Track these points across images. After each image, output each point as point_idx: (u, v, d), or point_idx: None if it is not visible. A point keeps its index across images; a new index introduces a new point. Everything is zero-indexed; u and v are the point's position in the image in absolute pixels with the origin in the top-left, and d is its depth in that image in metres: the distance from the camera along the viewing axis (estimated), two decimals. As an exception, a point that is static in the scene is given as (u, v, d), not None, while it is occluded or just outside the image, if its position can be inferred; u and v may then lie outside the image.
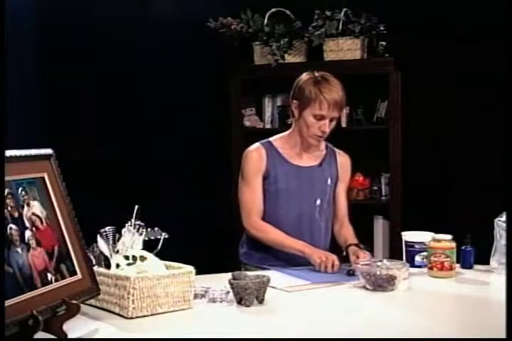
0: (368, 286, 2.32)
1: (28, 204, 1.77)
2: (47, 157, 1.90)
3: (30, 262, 1.69)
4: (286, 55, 4.21)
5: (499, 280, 2.32)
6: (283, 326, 1.92)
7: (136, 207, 2.14)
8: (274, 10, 4.27)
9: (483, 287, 2.45)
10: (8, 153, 1.72)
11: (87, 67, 4.59)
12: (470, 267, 2.63)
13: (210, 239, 4.43)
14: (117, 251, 2.09)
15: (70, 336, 1.71)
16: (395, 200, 4.13)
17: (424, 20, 4.09)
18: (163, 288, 2.00)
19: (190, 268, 2.09)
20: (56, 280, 1.77)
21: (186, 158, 4.57)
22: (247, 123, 4.46)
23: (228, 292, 2.10)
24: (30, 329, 1.62)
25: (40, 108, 4.58)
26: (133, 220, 2.14)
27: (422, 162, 4.19)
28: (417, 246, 2.63)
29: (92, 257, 2.02)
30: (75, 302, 1.73)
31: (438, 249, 2.51)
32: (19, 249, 1.68)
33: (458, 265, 2.59)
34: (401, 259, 2.62)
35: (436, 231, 2.59)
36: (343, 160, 2.89)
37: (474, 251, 2.64)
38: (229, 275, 2.13)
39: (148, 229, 2.17)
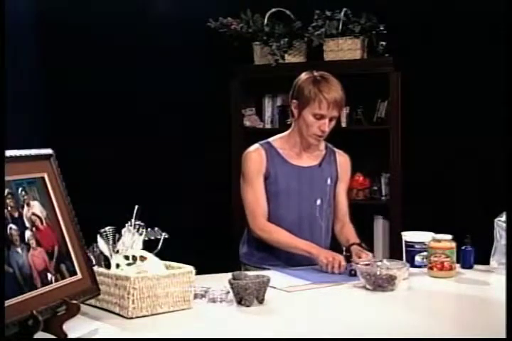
0: (368, 286, 2.32)
1: (28, 204, 1.77)
2: (47, 157, 1.90)
3: (30, 262, 1.69)
4: (286, 55, 4.22)
5: (499, 280, 2.32)
6: (283, 326, 1.91)
7: (136, 207, 2.14)
8: (274, 10, 4.27)
9: (483, 287, 2.45)
10: (8, 153, 1.72)
11: (87, 67, 4.60)
12: (470, 267, 2.63)
13: (210, 239, 4.43)
14: (117, 251, 2.09)
15: (70, 336, 1.71)
16: (395, 200, 4.13)
17: (424, 20, 4.10)
18: (163, 288, 1.99)
19: (190, 268, 2.08)
20: (56, 280, 1.77)
21: (186, 158, 4.58)
22: (247, 123, 4.46)
23: (228, 292, 2.10)
24: (30, 329, 1.62)
25: (40, 108, 4.59)
26: (133, 220, 2.14)
27: (422, 162, 4.19)
28: (417, 246, 2.63)
29: (92, 257, 2.02)
30: (75, 302, 1.73)
31: (438, 249, 2.51)
32: (19, 249, 1.68)
33: (458, 265, 2.59)
34: (401, 259, 2.62)
35: (436, 231, 2.59)
36: (343, 160, 2.89)
37: (474, 251, 2.64)
38: (229, 275, 2.13)
39: (148, 229, 2.17)
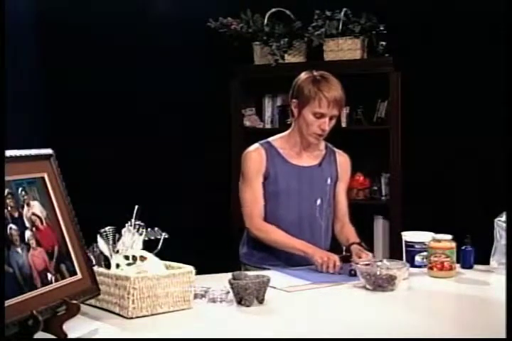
0: (368, 286, 2.32)
1: (28, 204, 1.77)
2: (47, 157, 1.90)
3: (30, 262, 1.69)
4: (286, 55, 4.22)
5: (499, 280, 2.32)
6: (283, 326, 1.91)
7: (136, 207, 2.14)
8: (274, 10, 4.27)
9: (483, 287, 2.45)
10: (8, 153, 1.72)
11: (87, 67, 4.60)
12: (470, 267, 2.63)
13: (210, 239, 4.43)
14: (117, 251, 2.09)
15: (70, 336, 1.71)
16: (395, 200, 4.13)
17: (424, 20, 4.10)
18: (163, 288, 1.99)
19: (190, 268, 2.08)
20: (56, 280, 1.77)
21: (186, 158, 4.58)
22: (247, 123, 4.46)
23: (228, 292, 2.10)
24: (30, 329, 1.62)
25: (40, 108, 4.59)
26: (133, 220, 2.14)
27: (422, 162, 4.19)
28: (417, 246, 2.62)
29: (92, 257, 2.02)
30: (75, 302, 1.73)
31: (438, 249, 2.51)
32: (19, 249, 1.68)
33: (458, 265, 2.59)
34: (401, 259, 2.62)
35: (436, 231, 2.59)
36: (343, 160, 2.89)
37: (474, 251, 2.64)
38: (229, 275, 2.13)
39: (148, 229, 2.17)
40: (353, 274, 2.44)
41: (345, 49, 4.11)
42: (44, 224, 1.80)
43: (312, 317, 2.02)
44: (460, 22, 4.01)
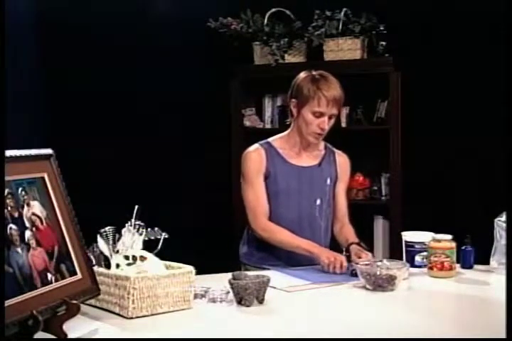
0: (368, 286, 2.32)
1: (28, 204, 1.77)
2: (47, 157, 1.90)
3: (30, 262, 1.69)
4: (286, 55, 4.22)
5: (499, 280, 2.32)
6: (283, 326, 1.92)
7: (136, 207, 2.14)
8: (274, 10, 4.27)
9: (483, 287, 2.45)
10: (8, 153, 1.72)
11: (87, 67, 4.60)
12: (470, 267, 2.63)
13: (210, 239, 4.43)
14: (117, 251, 2.09)
15: (70, 336, 1.71)
16: (395, 200, 4.13)
17: (424, 20, 4.10)
18: (163, 288, 1.99)
19: (190, 268, 2.09)
20: (56, 280, 1.77)
21: (186, 158, 4.58)
22: (247, 123, 4.46)
23: (228, 292, 2.10)
24: (30, 329, 1.62)
25: (40, 108, 4.59)
26: (133, 220, 2.14)
27: (422, 162, 4.19)
28: (417, 246, 2.62)
29: (92, 257, 2.02)
30: (75, 302, 1.73)
31: (438, 249, 2.51)
32: (19, 249, 1.68)
33: (458, 265, 2.59)
34: (401, 259, 2.62)
35: (436, 231, 2.59)
36: (342, 160, 2.89)
37: (474, 251, 2.64)
38: (229, 275, 2.13)
39: (148, 229, 2.17)
40: (354, 274, 2.44)
41: (345, 49, 4.11)
42: (44, 224, 1.80)
43: (312, 317, 2.02)
44: (460, 22, 4.01)
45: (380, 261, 2.46)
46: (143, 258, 2.07)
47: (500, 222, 2.53)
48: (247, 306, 2.05)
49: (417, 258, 2.62)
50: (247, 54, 4.31)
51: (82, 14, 4.57)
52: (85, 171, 4.31)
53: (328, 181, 2.82)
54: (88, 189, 4.14)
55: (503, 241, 2.50)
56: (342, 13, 4.09)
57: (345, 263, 2.53)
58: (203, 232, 4.47)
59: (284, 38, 4.19)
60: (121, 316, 1.95)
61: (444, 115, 4.13)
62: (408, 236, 2.67)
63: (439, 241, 2.54)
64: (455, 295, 2.36)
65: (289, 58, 4.23)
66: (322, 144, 2.85)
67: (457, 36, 4.04)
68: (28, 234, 1.73)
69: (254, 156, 2.76)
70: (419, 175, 4.17)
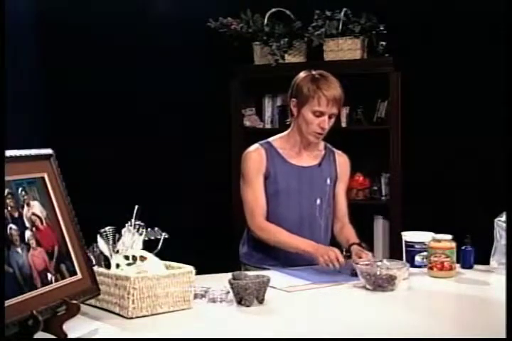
0: (368, 286, 2.32)
1: (28, 204, 1.77)
2: (47, 157, 1.90)
3: (30, 262, 1.69)
4: (286, 55, 4.21)
5: (499, 280, 2.32)
6: (283, 326, 1.92)
7: (136, 207, 2.14)
8: (274, 10, 4.27)
9: (483, 287, 2.45)
10: (8, 153, 1.72)
11: (87, 67, 4.60)
12: (470, 267, 2.63)
13: (210, 239, 4.43)
14: (117, 251, 2.09)
15: (70, 336, 1.71)
16: (395, 200, 4.13)
17: (424, 20, 4.10)
18: (163, 288, 2.00)
19: (190, 268, 2.09)
20: (56, 280, 1.77)
21: (186, 158, 4.58)
22: (247, 123, 4.46)
23: (228, 292, 2.10)
24: (30, 329, 1.62)
25: (40, 108, 4.59)
26: (133, 220, 2.14)
27: (422, 162, 4.19)
28: (417, 246, 2.63)
29: (92, 257, 2.02)
30: (75, 302, 1.73)
31: (438, 249, 2.51)
32: (19, 249, 1.68)
33: (458, 265, 2.59)
34: (401, 259, 2.62)
35: (436, 231, 2.59)
36: (342, 160, 2.89)
37: (474, 251, 2.64)
38: (229, 275, 2.13)
39: (148, 229, 2.17)
40: (354, 274, 2.44)
41: (345, 49, 4.11)
42: (44, 224, 1.80)
43: (312, 317, 2.02)
44: (460, 22, 4.01)
45: (380, 261, 2.47)
46: (143, 258, 2.07)
47: (500, 222, 2.53)
48: (247, 306, 2.05)
49: (417, 258, 2.62)
50: (247, 54, 4.31)
51: (82, 14, 4.57)
52: (85, 171, 4.31)
53: (328, 181, 2.82)
54: (88, 189, 4.14)
55: (503, 241, 2.51)
56: (342, 13, 4.09)
57: (341, 259, 2.52)
58: (203, 232, 4.47)
59: (284, 38, 4.19)
60: (121, 316, 1.95)
61: (444, 115, 4.13)
62: (408, 236, 2.67)
63: (439, 241, 2.54)
64: (455, 295, 2.36)
65: (289, 58, 4.23)
66: (322, 144, 2.85)
67: (457, 36, 4.04)
68: (28, 234, 1.73)
69: (255, 156, 2.76)
70: (419, 175, 4.17)
